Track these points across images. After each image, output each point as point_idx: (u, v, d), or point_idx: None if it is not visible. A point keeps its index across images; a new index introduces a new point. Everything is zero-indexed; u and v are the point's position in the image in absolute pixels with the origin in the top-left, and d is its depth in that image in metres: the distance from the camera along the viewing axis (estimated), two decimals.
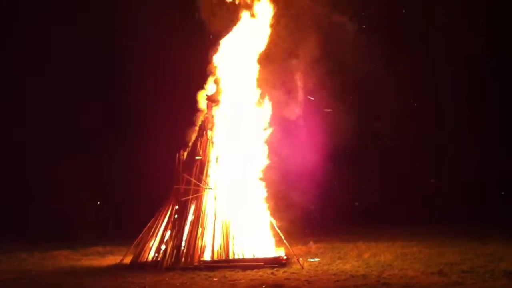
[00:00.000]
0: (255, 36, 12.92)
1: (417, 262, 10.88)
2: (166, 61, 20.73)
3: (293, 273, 9.99)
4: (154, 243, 11.78)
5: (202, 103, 13.05)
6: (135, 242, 12.04)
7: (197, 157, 12.25)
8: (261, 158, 12.52)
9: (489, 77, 21.45)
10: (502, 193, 22.46)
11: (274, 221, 11.87)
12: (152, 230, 11.91)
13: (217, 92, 12.95)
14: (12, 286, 9.50)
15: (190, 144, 12.76)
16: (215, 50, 13.07)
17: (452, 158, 22.15)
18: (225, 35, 13.06)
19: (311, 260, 11.76)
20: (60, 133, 23.73)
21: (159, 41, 20.22)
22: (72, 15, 22.01)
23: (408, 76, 20.43)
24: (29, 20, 21.82)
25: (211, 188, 11.84)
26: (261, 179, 12.41)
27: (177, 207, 11.81)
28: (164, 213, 11.99)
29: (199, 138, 12.47)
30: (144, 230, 12.05)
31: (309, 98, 15.32)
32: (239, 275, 9.90)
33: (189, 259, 10.99)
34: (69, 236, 19.05)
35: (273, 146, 12.81)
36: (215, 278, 9.63)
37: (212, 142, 12.41)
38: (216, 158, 12.31)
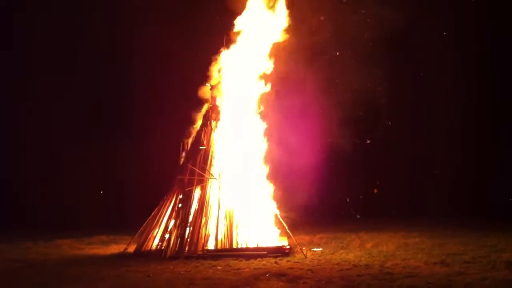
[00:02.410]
0: (261, 25, 12.90)
1: (419, 252, 10.91)
2: (170, 51, 20.70)
3: (297, 262, 10.05)
4: (158, 232, 11.84)
5: (206, 92, 13.06)
6: (139, 231, 12.11)
7: (201, 147, 12.28)
8: (265, 148, 12.55)
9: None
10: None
11: (277, 211, 11.92)
12: (156, 219, 11.97)
13: (221, 82, 12.95)
14: (17, 274, 9.53)
15: (194, 133, 12.79)
16: (220, 41, 13.07)
17: (456, 149, 22.08)
18: (230, 24, 13.04)
19: (314, 249, 11.81)
20: (62, 124, 23.77)
21: (161, 32, 20.17)
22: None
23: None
24: (39, 19, 21.87)
25: (215, 178, 11.88)
26: (265, 168, 12.44)
27: (181, 196, 11.86)
28: (168, 202, 12.05)
29: (203, 128, 12.49)
30: (148, 219, 12.11)
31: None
32: (243, 264, 9.96)
33: (193, 248, 11.07)
34: (72, 225, 19.12)
35: (278, 136, 12.83)
36: (219, 266, 9.69)
37: (216, 132, 12.43)
38: (220, 148, 12.32)
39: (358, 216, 16.56)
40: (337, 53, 16.43)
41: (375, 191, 17.55)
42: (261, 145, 12.62)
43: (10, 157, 24.21)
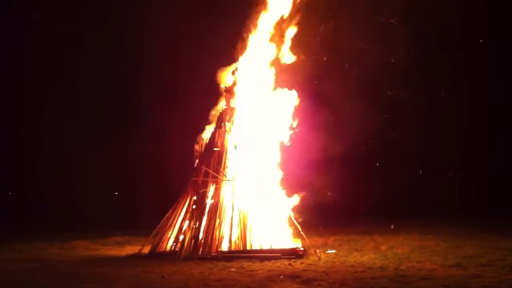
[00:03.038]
0: (275, 25, 12.91)
1: (434, 254, 10.84)
2: (183, 51, 20.80)
3: (311, 264, 10.04)
4: (172, 233, 11.91)
5: (220, 94, 13.11)
6: (154, 232, 12.17)
7: (215, 149, 12.32)
8: (279, 150, 12.55)
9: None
10: None
11: (291, 213, 11.91)
12: (170, 221, 12.02)
13: (235, 83, 12.97)
14: (33, 274, 9.63)
15: (208, 135, 12.83)
16: (234, 40, 13.11)
17: (472, 149, 21.91)
18: (244, 25, 13.07)
19: (328, 251, 11.78)
20: (77, 125, 24.00)
21: (175, 32, 20.29)
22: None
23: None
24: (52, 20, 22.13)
25: (228, 180, 11.91)
26: (279, 170, 12.44)
27: (195, 198, 11.91)
28: (182, 203, 12.09)
29: (217, 129, 12.53)
30: (162, 221, 12.16)
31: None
32: (257, 265, 9.97)
33: (206, 249, 11.10)
34: (87, 226, 19.26)
35: (292, 137, 12.82)
36: (233, 268, 9.71)
37: (230, 133, 12.46)
38: (234, 149, 12.34)
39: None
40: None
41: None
42: (275, 147, 12.61)
43: (27, 157, 24.51)
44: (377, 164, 22.20)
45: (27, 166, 25.27)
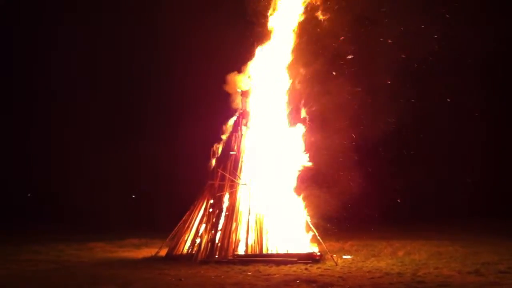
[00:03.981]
0: (290, 29, 12.92)
1: (452, 261, 10.74)
2: (200, 54, 20.90)
3: (327, 269, 9.99)
4: (189, 236, 11.94)
5: (236, 98, 13.14)
6: (171, 235, 12.22)
7: (231, 152, 12.35)
8: (296, 153, 12.54)
9: None
10: None
11: (308, 217, 11.87)
12: (187, 224, 12.07)
13: (251, 87, 13.00)
14: (51, 276, 9.74)
15: (224, 139, 12.86)
16: (250, 44, 13.13)
17: (490, 155, 21.69)
18: (261, 26, 13.09)
19: (345, 257, 11.72)
20: (94, 130, 24.23)
21: (193, 36, 20.38)
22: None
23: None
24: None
25: (245, 184, 11.92)
26: (296, 174, 12.42)
27: (211, 201, 11.94)
28: (199, 207, 12.14)
29: (234, 133, 12.56)
30: (179, 224, 12.21)
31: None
32: (273, 269, 9.96)
33: (223, 253, 11.12)
34: (104, 228, 19.42)
35: (308, 140, 12.79)
36: (249, 272, 9.71)
37: (247, 137, 12.48)
38: (251, 153, 12.36)
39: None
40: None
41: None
42: (292, 151, 12.60)
43: (44, 160, 24.78)
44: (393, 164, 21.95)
45: (45, 168, 25.57)
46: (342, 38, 13.70)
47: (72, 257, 12.42)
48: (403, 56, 14.71)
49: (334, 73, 14.21)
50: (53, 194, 24.70)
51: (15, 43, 23.95)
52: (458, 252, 12.02)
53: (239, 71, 13.18)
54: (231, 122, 13.05)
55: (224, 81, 13.38)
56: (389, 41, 14.50)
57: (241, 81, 13.15)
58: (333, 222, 15.57)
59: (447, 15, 15.06)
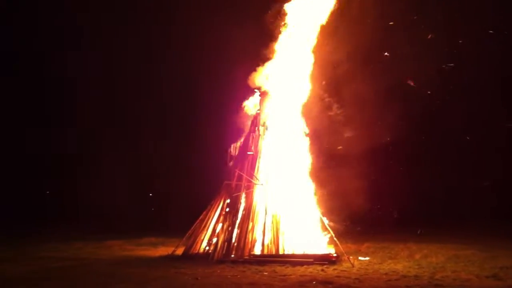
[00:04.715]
0: (309, 29, 12.92)
1: (470, 264, 10.64)
2: (218, 54, 20.96)
3: (343, 270, 9.97)
4: (205, 236, 12.01)
5: (254, 98, 13.18)
6: (187, 234, 12.28)
7: (248, 152, 12.38)
8: (312, 154, 12.54)
9: None
10: None
11: (324, 218, 11.85)
12: (204, 223, 12.13)
13: (269, 88, 13.02)
14: (70, 272, 9.89)
15: (242, 139, 12.91)
16: (267, 45, 13.16)
17: (508, 157, 21.38)
18: (278, 28, 13.11)
19: (361, 258, 11.68)
20: (111, 129, 24.44)
21: (211, 36, 20.47)
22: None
23: None
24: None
25: (261, 184, 11.95)
26: (313, 175, 12.42)
27: (228, 201, 11.99)
28: (216, 206, 12.20)
29: (251, 134, 12.59)
30: (196, 223, 12.28)
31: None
32: (289, 270, 9.97)
33: (239, 253, 11.16)
34: (122, 226, 19.59)
35: (325, 141, 12.79)
36: (265, 272, 9.73)
37: (264, 138, 12.50)
38: (268, 153, 12.39)
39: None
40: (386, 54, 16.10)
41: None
42: (308, 152, 12.61)
43: (64, 158, 25.06)
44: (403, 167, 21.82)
45: (64, 166, 25.86)
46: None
47: (90, 254, 12.58)
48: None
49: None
50: (72, 193, 24.95)
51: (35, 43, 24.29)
52: (476, 255, 11.90)
53: (257, 71, 13.22)
54: (248, 122, 13.09)
55: (242, 81, 13.43)
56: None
57: (259, 81, 13.19)
58: (350, 224, 15.55)
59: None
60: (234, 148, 12.90)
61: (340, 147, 15.87)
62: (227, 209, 11.90)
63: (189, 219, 12.82)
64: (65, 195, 25.58)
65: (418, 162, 22.61)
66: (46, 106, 25.43)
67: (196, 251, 11.87)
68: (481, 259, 11.33)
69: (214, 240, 11.72)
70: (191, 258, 11.53)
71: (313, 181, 12.50)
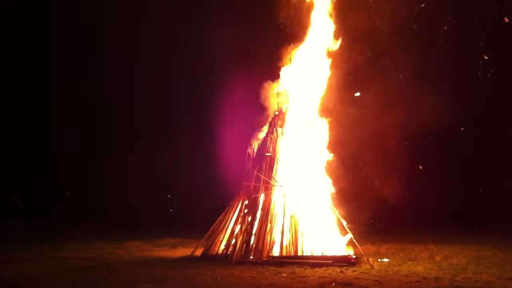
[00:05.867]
0: (326, 32, 12.90)
1: (492, 266, 10.50)
2: (235, 56, 21.02)
3: (363, 272, 9.91)
4: (224, 237, 12.03)
5: (272, 100, 13.18)
6: (206, 235, 12.33)
7: (267, 154, 12.38)
8: (331, 155, 12.50)
9: None
10: None
11: (343, 220, 11.79)
12: (222, 224, 12.16)
13: (287, 89, 13.01)
14: (90, 273, 9.99)
15: (260, 140, 12.91)
16: (285, 46, 13.16)
17: None
18: (296, 31, 13.10)
19: (381, 260, 11.60)
20: (131, 131, 24.66)
21: (227, 38, 20.52)
22: None
23: None
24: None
25: (280, 185, 11.93)
26: (331, 176, 12.38)
27: (246, 202, 12.00)
28: (234, 208, 12.22)
29: (269, 135, 12.59)
30: (214, 224, 12.32)
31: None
32: (308, 272, 9.94)
33: (258, 254, 11.15)
34: (142, 227, 19.74)
35: (343, 143, 12.73)
36: (284, 274, 9.71)
37: (282, 139, 12.49)
38: (286, 154, 12.37)
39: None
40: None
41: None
42: (327, 153, 12.57)
43: (84, 159, 25.33)
44: (420, 167, 21.48)
45: (85, 167, 26.14)
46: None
47: (111, 255, 12.69)
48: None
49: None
50: (92, 193, 25.23)
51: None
52: (497, 257, 11.75)
53: (276, 72, 13.23)
54: (267, 123, 13.10)
55: (260, 84, 13.46)
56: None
57: (277, 83, 13.19)
58: (369, 225, 15.45)
59: None
60: (253, 150, 12.90)
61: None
62: (245, 211, 11.91)
63: (208, 220, 12.88)
64: (85, 196, 25.89)
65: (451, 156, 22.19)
66: (72, 106, 25.69)
67: (215, 252, 11.89)
68: (503, 261, 11.19)
69: (233, 241, 11.73)
70: (210, 259, 11.55)
71: (332, 181, 12.46)
